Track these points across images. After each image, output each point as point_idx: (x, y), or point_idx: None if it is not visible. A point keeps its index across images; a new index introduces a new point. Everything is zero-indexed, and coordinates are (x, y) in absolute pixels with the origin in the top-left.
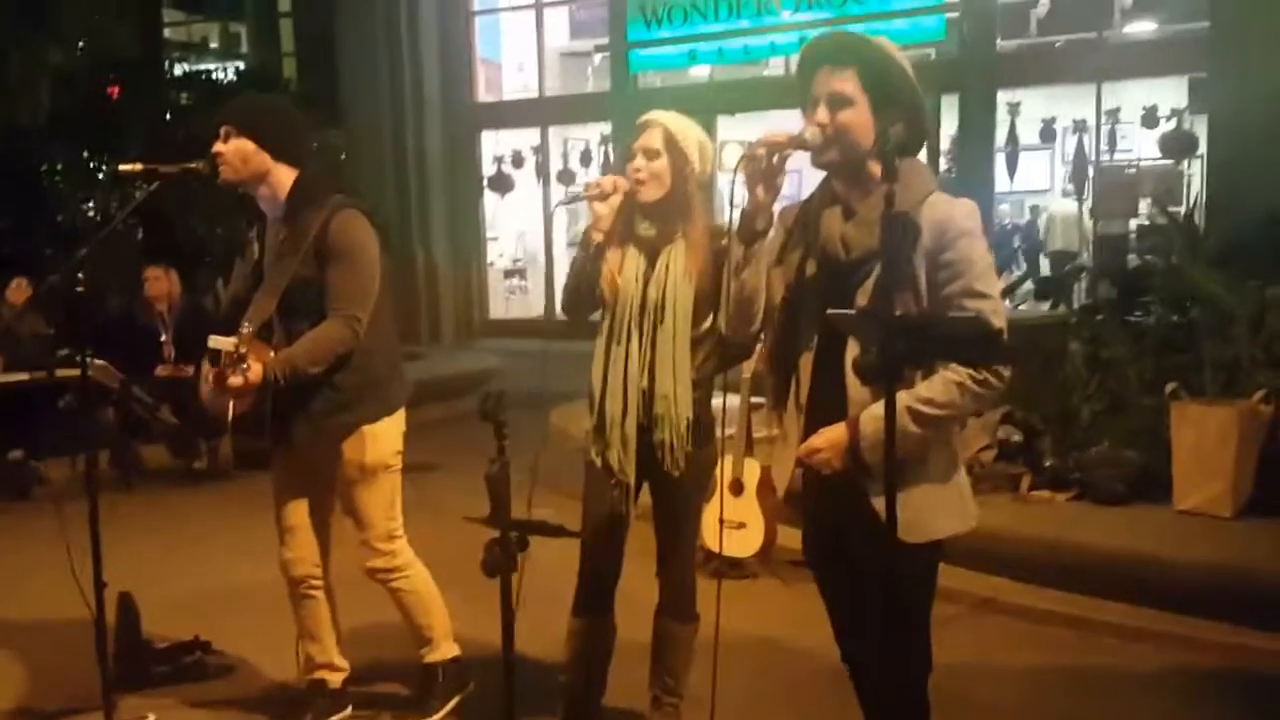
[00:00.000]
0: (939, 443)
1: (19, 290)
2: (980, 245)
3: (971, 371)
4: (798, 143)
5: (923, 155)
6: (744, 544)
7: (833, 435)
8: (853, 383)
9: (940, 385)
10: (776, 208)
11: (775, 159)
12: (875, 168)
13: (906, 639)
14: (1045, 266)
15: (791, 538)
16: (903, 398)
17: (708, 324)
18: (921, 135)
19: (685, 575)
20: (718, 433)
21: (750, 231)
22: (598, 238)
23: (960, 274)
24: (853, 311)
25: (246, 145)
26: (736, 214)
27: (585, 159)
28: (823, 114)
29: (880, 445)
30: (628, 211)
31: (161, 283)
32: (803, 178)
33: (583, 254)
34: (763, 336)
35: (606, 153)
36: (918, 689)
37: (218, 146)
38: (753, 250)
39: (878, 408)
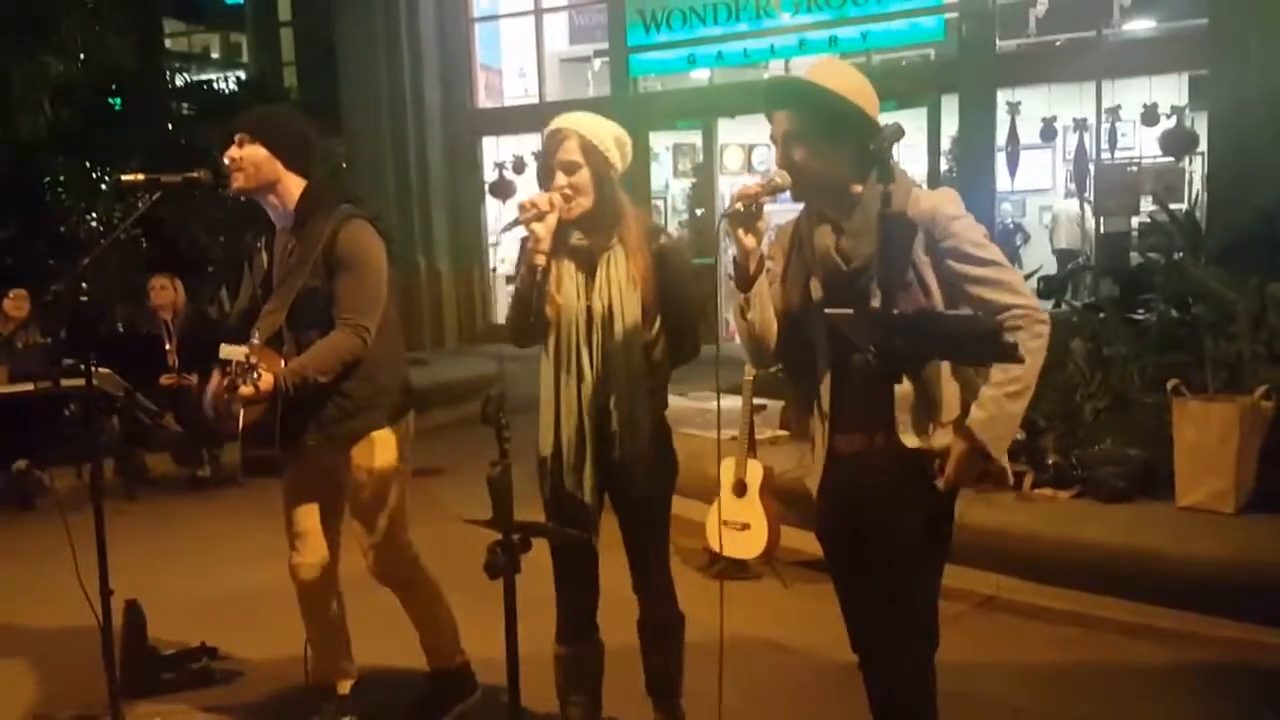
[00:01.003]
0: (969, 390)
1: (17, 302)
2: (970, 220)
3: (1020, 331)
4: (769, 189)
5: (920, 157)
6: (747, 545)
7: (957, 452)
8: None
9: None
10: (764, 247)
11: (753, 207)
12: (854, 186)
13: (919, 614)
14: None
15: (795, 539)
16: (990, 391)
17: (656, 328)
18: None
19: (662, 583)
20: (719, 436)
21: (745, 277)
22: (540, 260)
23: (966, 253)
24: (850, 311)
25: (259, 152)
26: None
27: None
28: (780, 155)
29: (1000, 440)
30: (557, 225)
31: (167, 292)
32: None
33: (526, 278)
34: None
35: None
36: (925, 668)
37: (231, 152)
38: (752, 293)
39: (979, 413)
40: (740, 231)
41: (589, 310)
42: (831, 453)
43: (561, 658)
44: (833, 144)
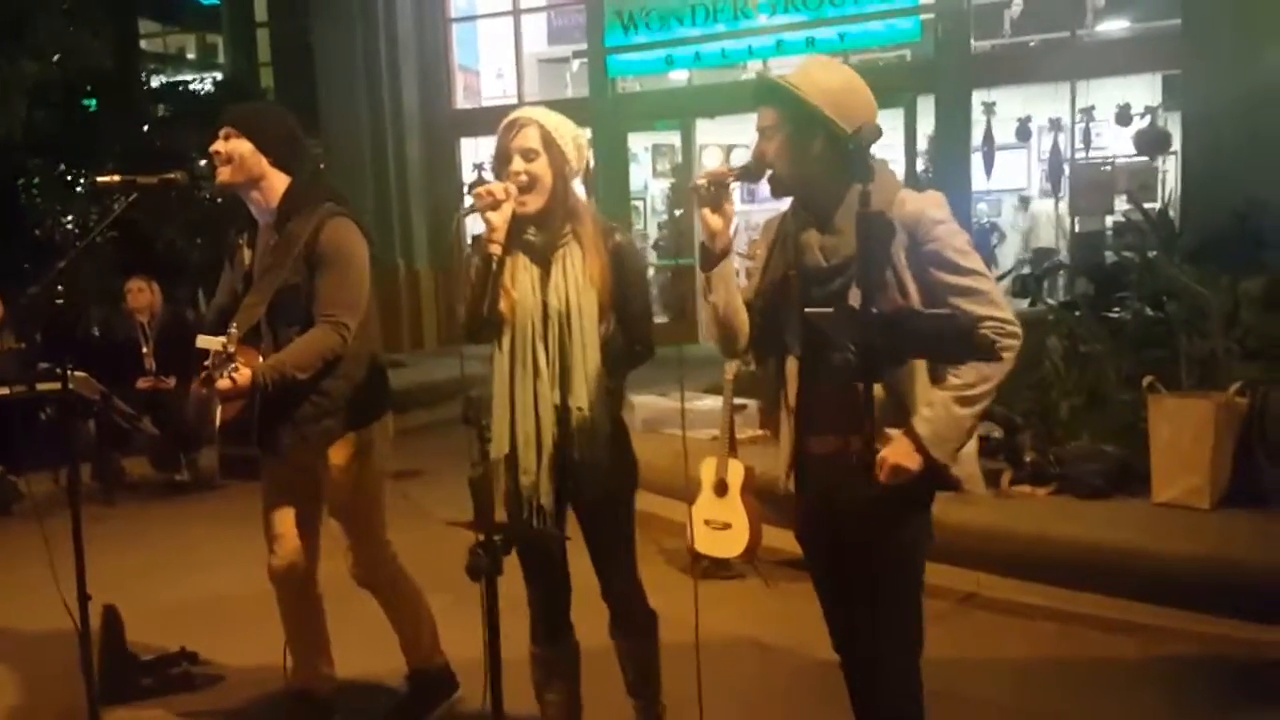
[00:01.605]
0: None
1: None
2: (954, 227)
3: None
4: (739, 173)
5: (897, 158)
6: (729, 545)
7: (900, 448)
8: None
9: (966, 366)
10: (742, 246)
11: (718, 187)
12: (836, 185)
13: (902, 614)
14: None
15: (777, 538)
16: (941, 393)
17: (612, 327)
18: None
19: (629, 587)
20: (684, 434)
21: (708, 257)
22: (495, 250)
23: (947, 259)
24: (830, 310)
25: (245, 146)
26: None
27: None
28: (756, 147)
29: (941, 440)
30: (512, 218)
31: (145, 294)
32: None
33: (481, 270)
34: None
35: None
36: (911, 668)
37: (217, 145)
38: (716, 274)
39: (925, 410)
40: (706, 210)
41: (545, 306)
42: (806, 453)
43: (537, 657)
44: (804, 142)
